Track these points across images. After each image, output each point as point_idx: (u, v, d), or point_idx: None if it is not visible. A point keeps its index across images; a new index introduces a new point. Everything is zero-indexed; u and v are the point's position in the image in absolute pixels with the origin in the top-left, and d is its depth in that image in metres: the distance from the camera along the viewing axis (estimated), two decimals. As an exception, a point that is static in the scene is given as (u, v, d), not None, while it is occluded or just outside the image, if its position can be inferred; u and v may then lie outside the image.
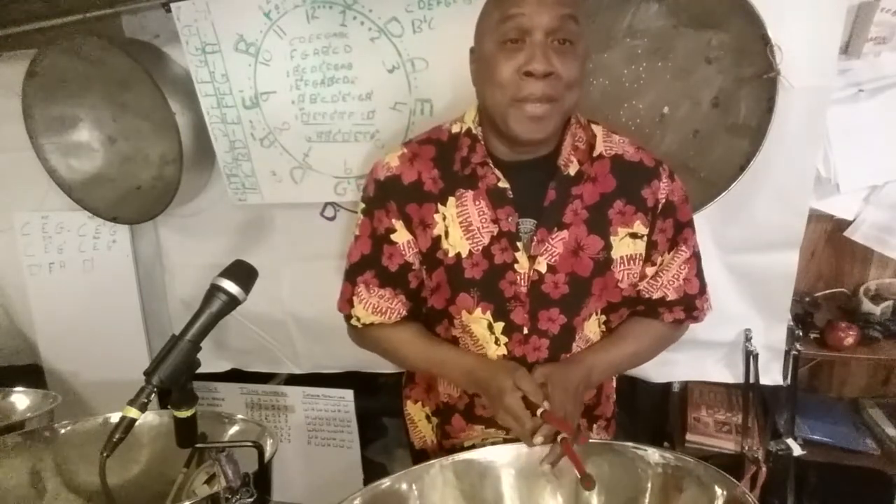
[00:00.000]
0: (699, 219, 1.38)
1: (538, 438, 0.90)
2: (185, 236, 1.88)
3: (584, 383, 1.03)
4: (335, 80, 1.49)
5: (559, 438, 0.90)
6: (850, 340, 1.56)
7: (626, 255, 1.05)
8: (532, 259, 1.02)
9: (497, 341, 1.06)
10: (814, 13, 1.26)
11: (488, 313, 1.05)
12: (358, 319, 1.13)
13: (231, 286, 0.94)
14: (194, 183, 1.74)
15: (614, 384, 1.26)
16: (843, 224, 1.65)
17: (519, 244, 1.02)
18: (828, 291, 1.79)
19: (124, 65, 1.61)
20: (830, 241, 1.74)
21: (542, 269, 1.02)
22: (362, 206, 1.11)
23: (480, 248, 1.03)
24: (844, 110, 1.47)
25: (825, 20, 1.27)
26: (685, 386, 1.85)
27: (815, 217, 1.60)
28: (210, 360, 1.90)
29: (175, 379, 0.91)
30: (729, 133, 1.36)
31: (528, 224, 1.03)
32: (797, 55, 1.24)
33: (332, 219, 1.71)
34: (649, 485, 0.93)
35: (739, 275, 1.52)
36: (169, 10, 1.50)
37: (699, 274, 1.12)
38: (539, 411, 0.92)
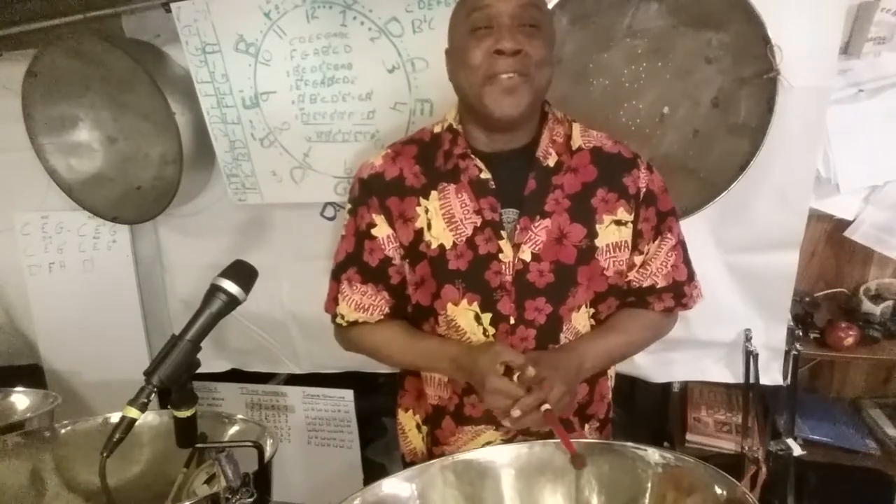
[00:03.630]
0: (699, 219, 1.39)
1: (516, 411, 0.90)
2: (185, 236, 1.88)
3: (576, 370, 1.03)
4: (335, 80, 1.49)
5: (542, 409, 0.89)
6: (850, 340, 1.56)
7: (612, 243, 1.06)
8: (516, 248, 1.03)
9: (485, 332, 1.06)
10: (814, 13, 1.26)
11: (475, 304, 1.05)
12: (342, 318, 1.14)
13: (231, 286, 0.94)
14: (194, 183, 1.74)
15: (609, 384, 1.22)
16: (843, 224, 1.65)
17: (503, 233, 1.03)
18: (828, 291, 1.79)
19: (124, 65, 1.61)
20: (830, 241, 1.74)
21: (527, 257, 1.03)
22: (348, 206, 1.14)
23: (464, 238, 1.04)
24: (844, 110, 1.47)
25: (825, 20, 1.27)
26: (685, 386, 1.85)
27: (815, 217, 1.59)
28: (210, 360, 1.89)
29: (175, 379, 0.91)
30: (729, 133, 1.36)
31: (510, 214, 1.05)
32: (797, 55, 1.24)
33: (332, 219, 1.70)
34: (649, 485, 0.93)
35: (739, 275, 1.52)
36: (169, 10, 1.51)
37: (686, 261, 1.14)
38: (544, 407, 0.90)
